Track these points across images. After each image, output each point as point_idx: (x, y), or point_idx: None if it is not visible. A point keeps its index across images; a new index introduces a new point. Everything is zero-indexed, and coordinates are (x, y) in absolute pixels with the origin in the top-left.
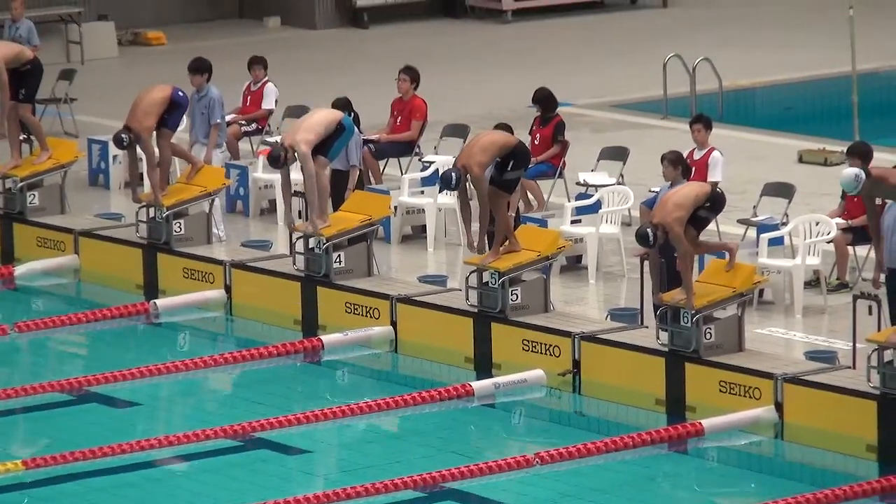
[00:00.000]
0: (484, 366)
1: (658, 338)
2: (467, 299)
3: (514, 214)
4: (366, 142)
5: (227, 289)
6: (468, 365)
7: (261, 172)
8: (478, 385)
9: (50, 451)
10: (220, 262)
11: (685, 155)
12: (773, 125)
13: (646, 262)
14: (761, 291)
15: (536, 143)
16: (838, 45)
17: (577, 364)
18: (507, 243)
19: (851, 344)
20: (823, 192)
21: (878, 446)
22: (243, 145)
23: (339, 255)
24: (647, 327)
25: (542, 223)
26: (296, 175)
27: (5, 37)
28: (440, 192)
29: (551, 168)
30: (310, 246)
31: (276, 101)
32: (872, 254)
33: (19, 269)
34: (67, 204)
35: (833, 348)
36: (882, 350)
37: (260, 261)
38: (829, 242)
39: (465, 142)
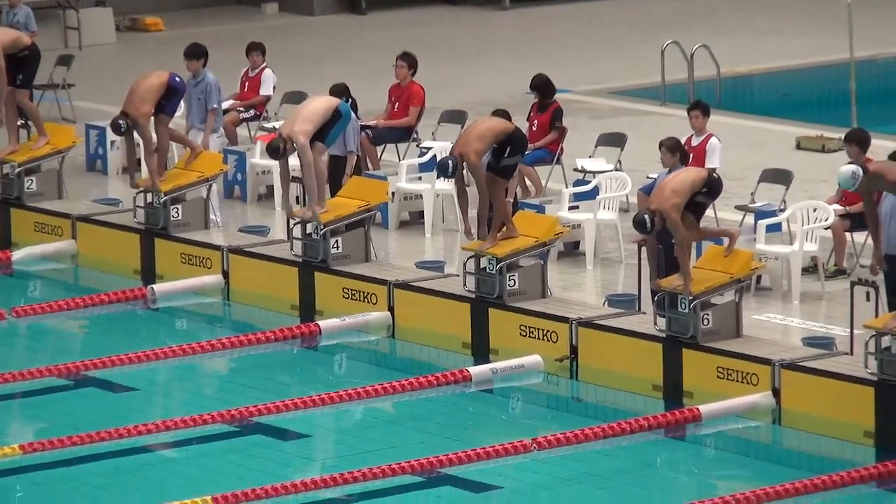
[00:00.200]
0: (481, 351)
1: (655, 324)
2: (465, 285)
3: (511, 200)
4: (363, 128)
5: (225, 274)
6: (465, 350)
7: (258, 158)
8: (475, 370)
9: (47, 435)
10: (217, 248)
11: (683, 141)
12: (771, 112)
13: (643, 249)
14: (759, 277)
15: (534, 129)
16: (836, 32)
17: (574, 350)
18: (504, 229)
19: (849, 330)
20: (821, 178)
21: (875, 432)
22: (241, 131)
23: (337, 241)
24: (644, 313)
25: (540, 209)
26: (293, 161)
27: (3, 22)
28: (437, 178)
29: (549, 154)
30: (307, 231)
31: (274, 88)
32: (870, 240)
33: (17, 254)
34: (65, 189)
35: (830, 334)
36: (879, 336)
37: (257, 246)
38: (826, 229)
39: (462, 128)
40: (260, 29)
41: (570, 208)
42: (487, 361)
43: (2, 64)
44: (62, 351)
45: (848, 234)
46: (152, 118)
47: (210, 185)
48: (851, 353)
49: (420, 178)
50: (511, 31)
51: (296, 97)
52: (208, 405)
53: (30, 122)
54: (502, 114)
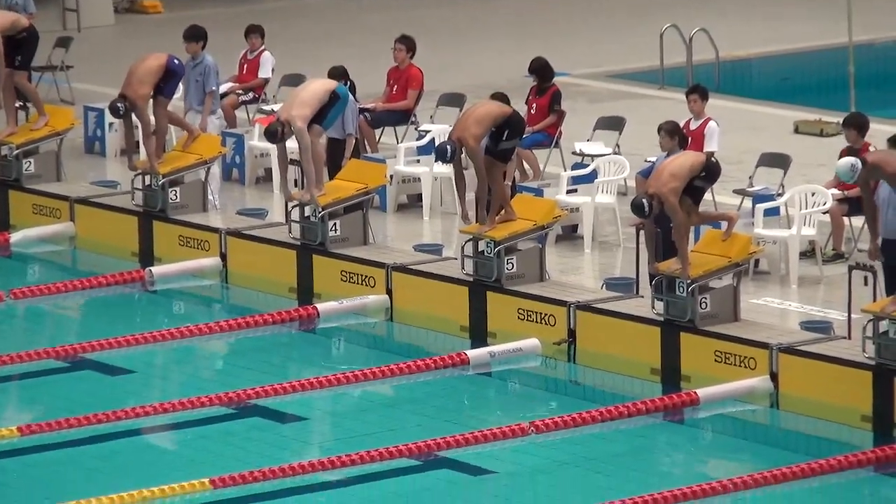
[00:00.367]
0: (479, 334)
1: (653, 307)
2: (463, 268)
3: (510, 183)
4: (362, 110)
5: (223, 257)
6: (463, 334)
7: (257, 141)
8: (473, 354)
9: (45, 417)
10: (215, 230)
11: (681, 125)
12: (769, 96)
13: (641, 232)
14: (757, 261)
15: (533, 112)
16: (835, 15)
17: (572, 333)
18: (503, 212)
19: (847, 314)
20: (819, 162)
21: (872, 416)
22: (239, 114)
23: (335, 224)
24: (642, 297)
25: (538, 192)
26: (292, 144)
27: (2, 5)
28: (435, 162)
29: (547, 138)
30: (305, 214)
31: (273, 70)
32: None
33: (15, 236)
34: (63, 171)
35: (828, 318)
36: (877, 320)
37: (255, 229)
38: (824, 213)
39: (461, 111)
40: (259, 11)
41: (569, 192)
42: (485, 345)
43: (0, 47)
44: (60, 333)
45: (846, 219)
46: (151, 100)
47: (208, 168)
48: (849, 338)
49: (418, 161)
50: (510, 13)
51: (294, 80)
52: (206, 388)
53: (28, 104)
54: (501, 97)
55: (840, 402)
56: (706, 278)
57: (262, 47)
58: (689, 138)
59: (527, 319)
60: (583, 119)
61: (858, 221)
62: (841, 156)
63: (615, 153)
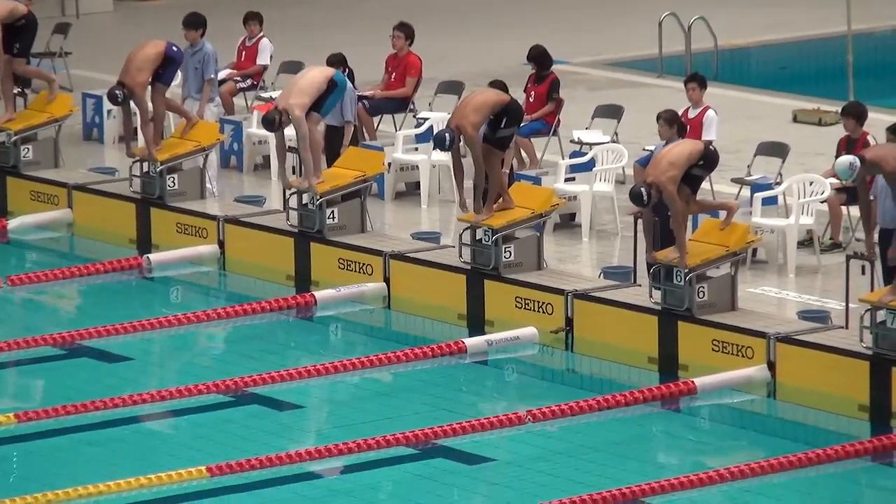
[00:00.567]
0: (477, 323)
1: (651, 296)
2: (461, 256)
3: (507, 172)
4: (360, 98)
5: (221, 244)
6: (461, 322)
7: (255, 128)
8: (470, 342)
9: (42, 404)
10: (213, 217)
11: (680, 113)
12: (767, 84)
13: (639, 221)
14: (754, 251)
15: (531, 100)
16: (834, 4)
17: (569, 322)
18: (500, 201)
19: (844, 304)
20: (818, 151)
21: (870, 406)
22: (238, 101)
23: (333, 211)
24: (640, 286)
25: (536, 181)
26: (290, 132)
27: None
28: (433, 150)
29: (545, 126)
30: (303, 202)
31: (271, 57)
32: None
33: (12, 223)
34: (61, 158)
35: (826, 308)
36: (875, 310)
37: (253, 216)
38: (822, 202)
39: (459, 99)
40: None
41: (567, 180)
42: (483, 333)
43: None
44: (57, 320)
45: (844, 208)
46: (149, 87)
47: (206, 155)
48: (846, 327)
49: (416, 149)
50: (509, 1)
51: (293, 67)
52: (203, 375)
53: (27, 91)
54: (499, 85)
55: (837, 391)
56: (704, 267)
57: (261, 34)
58: (688, 127)
59: (524, 308)
60: (581, 107)
61: (856, 211)
62: (839, 145)
63: (613, 141)
